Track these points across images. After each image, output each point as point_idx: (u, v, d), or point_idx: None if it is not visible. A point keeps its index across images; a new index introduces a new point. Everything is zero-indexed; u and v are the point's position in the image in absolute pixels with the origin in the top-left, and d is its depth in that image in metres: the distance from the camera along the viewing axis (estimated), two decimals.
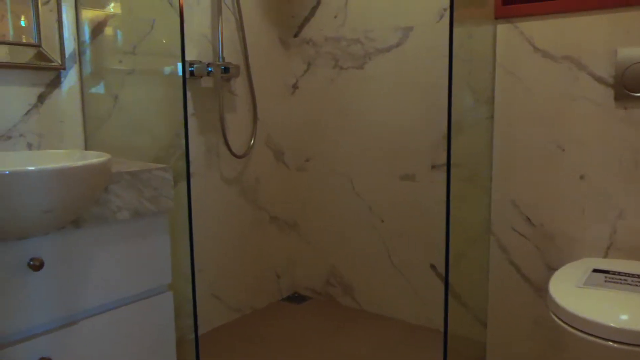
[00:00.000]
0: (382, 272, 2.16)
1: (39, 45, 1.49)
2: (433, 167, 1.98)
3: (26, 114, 1.49)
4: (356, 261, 2.23)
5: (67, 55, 1.56)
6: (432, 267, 2.03)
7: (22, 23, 1.47)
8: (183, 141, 1.47)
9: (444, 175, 1.96)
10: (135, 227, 1.31)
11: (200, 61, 1.91)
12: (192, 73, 1.89)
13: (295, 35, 2.27)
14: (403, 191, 2.06)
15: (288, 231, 2.42)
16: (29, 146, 1.50)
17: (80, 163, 1.10)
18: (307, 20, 2.22)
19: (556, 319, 1.20)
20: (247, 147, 2.15)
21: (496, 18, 1.68)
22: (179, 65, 1.52)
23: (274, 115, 2.28)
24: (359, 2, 2.07)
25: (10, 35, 1.44)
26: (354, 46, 2.10)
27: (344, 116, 2.18)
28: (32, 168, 1.01)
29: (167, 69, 1.64)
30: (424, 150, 1.99)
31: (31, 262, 1.10)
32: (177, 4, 1.46)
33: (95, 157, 1.22)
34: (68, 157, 1.31)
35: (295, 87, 2.31)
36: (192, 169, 1.97)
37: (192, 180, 1.97)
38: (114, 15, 1.65)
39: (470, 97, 1.71)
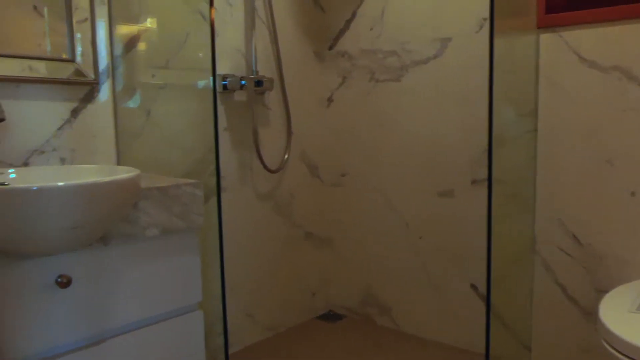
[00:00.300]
0: (420, 292, 2.08)
1: (72, 61, 1.50)
2: (473, 182, 1.90)
3: (59, 128, 1.49)
4: (393, 279, 2.16)
5: (100, 70, 1.56)
6: (473, 287, 1.94)
7: (57, 39, 1.47)
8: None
9: (485, 190, 1.87)
10: (165, 244, 1.28)
11: (233, 75, 1.90)
12: (225, 87, 1.88)
13: (330, 48, 2.23)
14: (442, 207, 1.98)
15: (323, 248, 2.37)
16: (62, 161, 1.50)
17: (107, 179, 1.08)
18: (342, 32, 2.18)
19: (607, 346, 1.11)
20: (281, 161, 2.12)
21: (539, 27, 1.60)
22: (211, 78, 1.51)
23: (308, 129, 2.25)
24: (395, 13, 2.02)
25: (48, 51, 1.45)
26: (391, 58, 2.05)
27: (380, 130, 2.12)
28: (59, 184, 0.99)
29: (200, 83, 1.62)
30: (464, 165, 1.91)
31: (59, 279, 1.08)
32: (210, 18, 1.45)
33: (124, 173, 1.20)
34: (98, 172, 1.29)
35: (330, 100, 2.27)
36: (224, 184, 1.95)
37: (224, 195, 1.94)
38: (147, 30, 1.65)
39: (512, 110, 1.63)
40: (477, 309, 1.93)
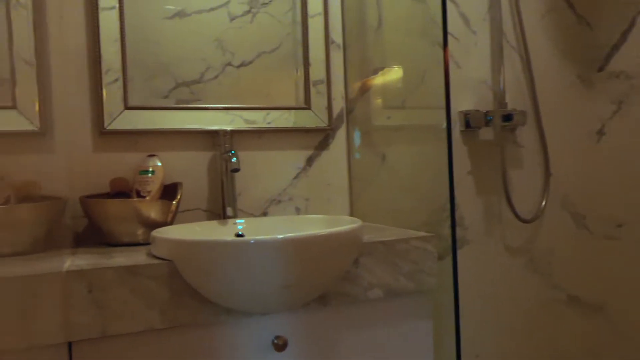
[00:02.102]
0: None
1: (308, 108, 1.48)
2: None
3: (295, 177, 1.48)
4: None
5: (334, 116, 1.52)
6: None
7: (292, 86, 1.48)
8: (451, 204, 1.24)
9: None
10: (390, 307, 1.12)
11: (477, 110, 1.68)
12: (467, 124, 1.67)
13: (600, 69, 1.83)
14: None
15: (592, 316, 1.91)
16: (297, 210, 1.48)
17: (324, 232, 0.99)
18: (615, 48, 1.77)
19: None
20: (536, 209, 1.79)
21: None
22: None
23: (572, 170, 1.86)
24: None
25: (300, 101, 1.47)
26: None
27: None
28: (273, 237, 0.93)
29: (439, 123, 1.45)
30: None
31: (275, 341, 1.01)
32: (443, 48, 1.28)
33: (348, 223, 1.09)
34: (322, 223, 1.22)
35: (600, 133, 1.86)
36: (467, 236, 1.71)
37: (467, 249, 1.70)
38: (382, 70, 1.56)
39: None
40: None
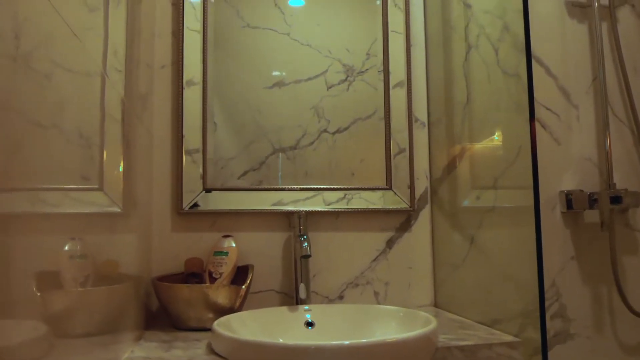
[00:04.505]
0: None
1: (389, 189, 1.42)
2: None
3: (374, 260, 1.41)
4: None
5: (417, 196, 1.44)
6: None
7: (372, 166, 1.43)
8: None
9: None
10: None
11: (581, 190, 1.51)
12: (569, 205, 1.50)
13: None
14: None
15: None
16: (376, 295, 1.40)
17: (392, 339, 0.90)
18: None
19: None
20: None
21: None
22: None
23: None
24: None
25: (381, 181, 1.42)
26: None
27: None
28: (330, 344, 0.86)
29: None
30: None
31: None
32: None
33: (422, 322, 1.00)
34: (393, 316, 1.12)
35: None
36: (572, 329, 1.51)
37: (572, 343, 1.50)
38: (471, 149, 1.47)
39: None
40: None
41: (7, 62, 0.51)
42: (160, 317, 1.25)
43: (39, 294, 0.70)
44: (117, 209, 1.25)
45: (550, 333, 1.48)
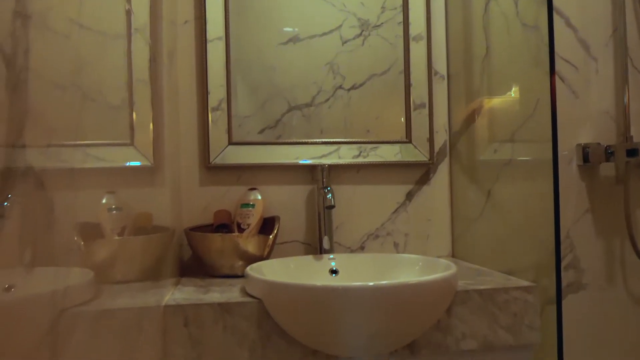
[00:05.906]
0: None
1: (409, 142, 1.45)
2: None
3: (394, 212, 1.46)
4: None
5: (436, 150, 1.48)
6: None
7: (393, 120, 1.46)
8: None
9: None
10: None
11: (598, 143, 1.53)
12: (586, 159, 1.53)
13: None
14: None
15: None
16: (396, 246, 1.45)
17: (414, 280, 0.96)
18: None
19: None
20: None
21: None
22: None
23: None
24: None
25: (402, 134, 1.45)
26: None
27: None
28: (358, 285, 0.92)
29: (550, 157, 1.35)
30: None
31: None
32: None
33: (442, 268, 1.05)
34: (415, 265, 1.18)
35: None
36: (584, 280, 1.56)
37: (583, 294, 1.56)
38: (489, 102, 1.49)
39: None
40: None
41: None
42: (192, 266, 1.32)
43: (82, 243, 0.76)
44: (148, 164, 1.30)
45: (563, 283, 1.53)
